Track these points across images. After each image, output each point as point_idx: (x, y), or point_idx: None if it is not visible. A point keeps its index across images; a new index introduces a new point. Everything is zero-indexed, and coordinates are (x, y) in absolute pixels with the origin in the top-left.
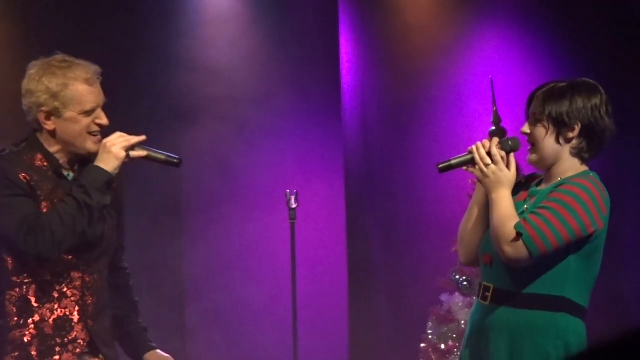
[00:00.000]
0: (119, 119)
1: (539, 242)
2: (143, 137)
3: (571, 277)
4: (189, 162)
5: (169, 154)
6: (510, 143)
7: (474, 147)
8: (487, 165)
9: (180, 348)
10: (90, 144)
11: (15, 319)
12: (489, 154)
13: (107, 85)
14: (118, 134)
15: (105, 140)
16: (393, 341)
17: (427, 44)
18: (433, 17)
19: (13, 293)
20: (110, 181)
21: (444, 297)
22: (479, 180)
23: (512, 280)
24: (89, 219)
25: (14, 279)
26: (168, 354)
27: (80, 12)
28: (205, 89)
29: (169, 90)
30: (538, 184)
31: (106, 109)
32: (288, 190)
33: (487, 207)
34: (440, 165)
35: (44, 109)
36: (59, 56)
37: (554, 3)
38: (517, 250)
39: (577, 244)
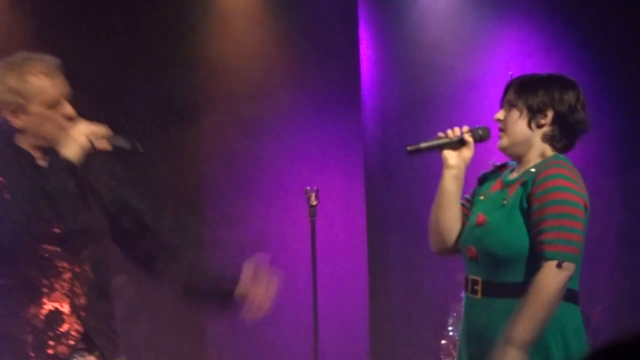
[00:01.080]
0: (145, 115)
1: (576, 250)
2: (109, 131)
3: None
4: (208, 157)
5: (133, 143)
6: (480, 132)
7: (447, 132)
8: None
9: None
10: (61, 136)
11: (7, 314)
12: (460, 140)
13: (140, 81)
14: (84, 123)
15: (69, 129)
16: (414, 338)
17: (446, 41)
18: (452, 14)
19: (3, 290)
20: (73, 168)
21: (464, 294)
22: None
23: (503, 273)
24: (47, 204)
25: (1, 277)
26: (187, 350)
27: (84, 9)
28: (225, 86)
29: (186, 87)
30: (510, 173)
31: (128, 106)
32: (308, 188)
33: (455, 193)
34: (409, 148)
35: (9, 107)
36: (19, 54)
37: (575, 3)
38: (568, 272)
39: None
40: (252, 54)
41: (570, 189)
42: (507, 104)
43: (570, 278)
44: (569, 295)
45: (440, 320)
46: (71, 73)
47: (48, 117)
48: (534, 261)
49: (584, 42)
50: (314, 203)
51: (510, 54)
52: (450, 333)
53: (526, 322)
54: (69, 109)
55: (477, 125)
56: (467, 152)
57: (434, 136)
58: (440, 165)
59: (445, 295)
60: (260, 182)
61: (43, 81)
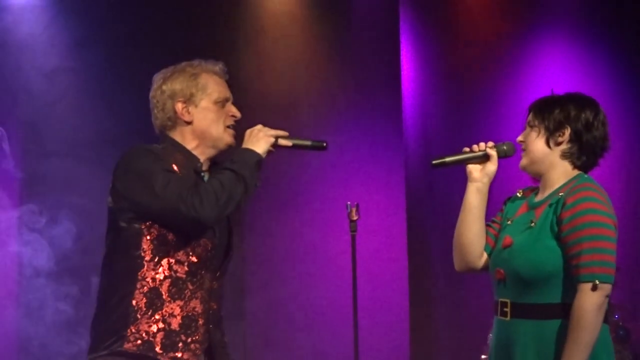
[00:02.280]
0: None
1: (610, 271)
2: (286, 133)
3: None
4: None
5: (313, 140)
6: (504, 147)
7: (472, 147)
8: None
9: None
10: (227, 136)
11: (144, 309)
12: (485, 155)
13: None
14: (260, 126)
15: (250, 129)
16: (454, 352)
17: (487, 56)
18: (493, 28)
19: (145, 283)
20: (260, 162)
21: (494, 317)
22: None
23: (531, 294)
24: (244, 191)
25: (148, 270)
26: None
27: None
28: (267, 99)
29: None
30: (535, 195)
31: None
32: (349, 202)
33: (479, 208)
34: (434, 162)
35: (180, 98)
36: (191, 62)
37: (614, 15)
38: (605, 292)
39: None
40: (294, 68)
41: (600, 211)
42: (527, 125)
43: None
44: None
45: (481, 335)
46: None
47: (216, 113)
48: (562, 282)
49: (625, 56)
50: (355, 218)
51: (552, 69)
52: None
53: (574, 347)
54: (235, 110)
55: (503, 141)
56: (491, 167)
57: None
58: None
59: (486, 310)
60: (302, 196)
61: (213, 79)
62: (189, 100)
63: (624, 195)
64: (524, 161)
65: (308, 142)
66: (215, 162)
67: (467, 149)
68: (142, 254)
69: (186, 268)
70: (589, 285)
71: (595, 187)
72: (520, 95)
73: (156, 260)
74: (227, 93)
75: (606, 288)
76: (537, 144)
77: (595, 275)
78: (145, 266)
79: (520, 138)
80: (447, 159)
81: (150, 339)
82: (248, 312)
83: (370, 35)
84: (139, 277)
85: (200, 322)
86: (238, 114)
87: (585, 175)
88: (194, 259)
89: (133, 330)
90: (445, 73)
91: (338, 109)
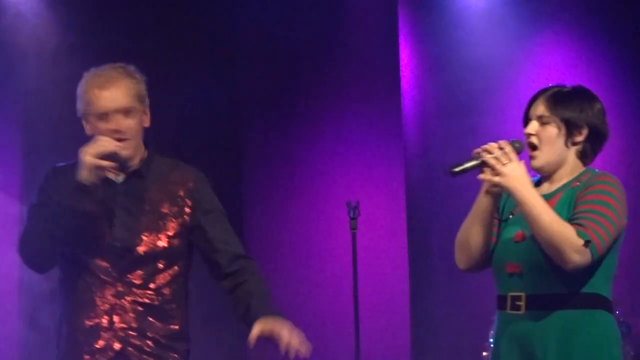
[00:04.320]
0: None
1: (600, 247)
2: (117, 146)
3: (603, 273)
4: (249, 170)
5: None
6: (517, 145)
7: (487, 147)
8: (505, 164)
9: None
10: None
11: (46, 322)
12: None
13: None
14: (98, 140)
15: (83, 147)
16: (455, 350)
17: (488, 55)
18: (493, 28)
19: (60, 296)
20: (81, 188)
21: (498, 312)
22: (498, 182)
23: (549, 284)
24: (54, 223)
25: (61, 283)
26: (227, 355)
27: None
28: (265, 98)
29: (226, 101)
30: (536, 186)
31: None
32: (349, 200)
33: (492, 212)
34: (455, 169)
35: (80, 113)
36: (108, 65)
37: (616, 14)
38: (584, 258)
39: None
40: (292, 66)
41: (616, 197)
42: (538, 119)
43: (608, 288)
44: (609, 306)
45: (481, 332)
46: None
47: (99, 128)
48: (585, 270)
49: (628, 57)
50: (355, 216)
51: (553, 68)
52: (492, 345)
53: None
54: (113, 123)
55: (512, 139)
56: None
57: (468, 153)
58: (477, 178)
59: (487, 308)
60: (302, 194)
61: (95, 92)
62: (83, 116)
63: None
64: (539, 161)
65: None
66: (135, 170)
67: (478, 151)
68: (61, 275)
69: (86, 273)
70: (584, 242)
71: (616, 179)
72: (520, 98)
73: (69, 275)
74: (105, 107)
75: (589, 261)
76: (557, 143)
77: (592, 241)
78: (61, 277)
79: (531, 130)
80: (467, 165)
81: (57, 354)
82: None
83: (369, 32)
84: (60, 289)
85: (105, 329)
86: (113, 126)
87: (597, 170)
88: (92, 267)
89: (56, 343)
90: (446, 70)
91: (336, 107)
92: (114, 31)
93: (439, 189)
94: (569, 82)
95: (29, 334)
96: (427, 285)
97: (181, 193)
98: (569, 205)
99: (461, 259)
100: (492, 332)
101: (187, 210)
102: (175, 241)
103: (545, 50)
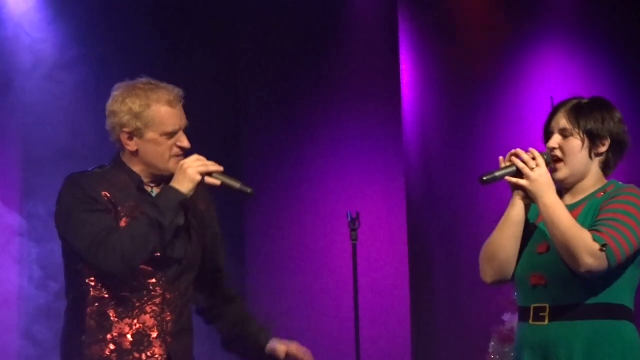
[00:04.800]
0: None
1: (618, 253)
2: (220, 168)
3: (627, 284)
4: (249, 180)
5: (242, 184)
6: (545, 157)
7: (516, 152)
8: (533, 169)
9: None
10: (172, 166)
11: (95, 334)
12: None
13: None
14: (195, 157)
15: (182, 162)
16: None
17: (486, 64)
18: (492, 37)
19: (93, 308)
20: (184, 202)
21: (506, 317)
22: (526, 189)
23: (573, 294)
24: (160, 238)
25: (94, 294)
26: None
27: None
28: (266, 109)
29: (226, 112)
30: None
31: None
32: (349, 212)
33: (522, 224)
34: (485, 178)
35: (126, 129)
36: (144, 79)
37: (613, 21)
38: (599, 262)
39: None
40: (293, 77)
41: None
42: (559, 132)
43: (632, 299)
44: (632, 317)
45: (482, 343)
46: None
47: (163, 145)
48: (610, 280)
49: (625, 62)
50: (356, 227)
51: (552, 76)
52: (492, 356)
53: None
54: (184, 140)
55: (541, 151)
56: None
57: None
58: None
59: (487, 318)
60: (302, 205)
61: (165, 110)
62: (133, 132)
63: None
64: (564, 172)
65: (237, 185)
66: (169, 179)
67: (507, 161)
68: (87, 280)
69: (131, 285)
70: (600, 246)
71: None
72: (520, 101)
73: (99, 282)
74: (177, 125)
75: (604, 267)
76: (581, 155)
77: (610, 247)
78: (92, 291)
79: (553, 144)
80: (497, 174)
81: None
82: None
83: (369, 43)
84: (88, 302)
85: (154, 335)
86: (186, 145)
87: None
88: (140, 277)
89: (87, 354)
90: (445, 80)
91: (336, 118)
92: (112, 45)
93: (439, 200)
94: (566, 84)
95: (27, 346)
96: (428, 297)
97: (202, 207)
98: (593, 215)
99: (488, 272)
100: (492, 342)
101: (205, 224)
102: (200, 251)
103: (544, 55)
